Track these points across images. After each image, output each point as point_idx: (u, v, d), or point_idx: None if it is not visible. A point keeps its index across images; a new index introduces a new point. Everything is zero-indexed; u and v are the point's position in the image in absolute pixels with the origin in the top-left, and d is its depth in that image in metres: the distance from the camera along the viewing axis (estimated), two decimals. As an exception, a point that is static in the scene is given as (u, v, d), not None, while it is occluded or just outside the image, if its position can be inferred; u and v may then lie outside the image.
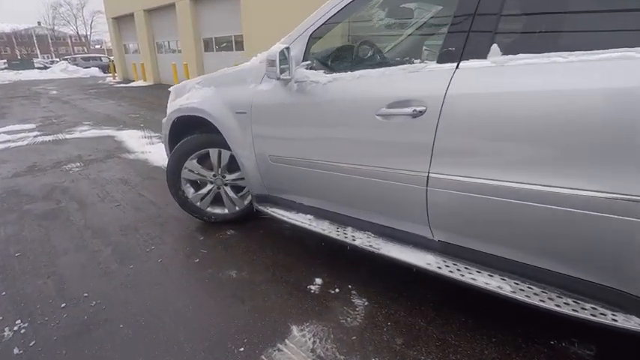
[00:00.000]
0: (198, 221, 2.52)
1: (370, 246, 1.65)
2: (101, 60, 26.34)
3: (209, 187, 2.38)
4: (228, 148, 2.17)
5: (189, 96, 2.32)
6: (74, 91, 12.51)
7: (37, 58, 41.89)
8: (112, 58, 20.88)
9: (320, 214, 1.92)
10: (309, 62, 1.76)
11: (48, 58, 46.58)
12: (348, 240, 1.71)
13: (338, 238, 1.75)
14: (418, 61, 1.48)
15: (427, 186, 1.42)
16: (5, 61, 27.74)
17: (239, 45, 10.61)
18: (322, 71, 1.70)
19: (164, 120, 2.50)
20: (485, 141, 1.26)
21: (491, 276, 1.40)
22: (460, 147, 1.31)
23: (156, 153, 4.34)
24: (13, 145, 5.01)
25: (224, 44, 11.50)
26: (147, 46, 14.79)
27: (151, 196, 3.05)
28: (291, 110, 1.78)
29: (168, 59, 13.99)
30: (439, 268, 1.47)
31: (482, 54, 1.27)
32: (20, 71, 22.77)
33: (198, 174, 2.34)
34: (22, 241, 2.35)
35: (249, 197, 2.39)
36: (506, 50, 1.24)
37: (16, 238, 2.38)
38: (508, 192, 1.23)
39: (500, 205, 1.27)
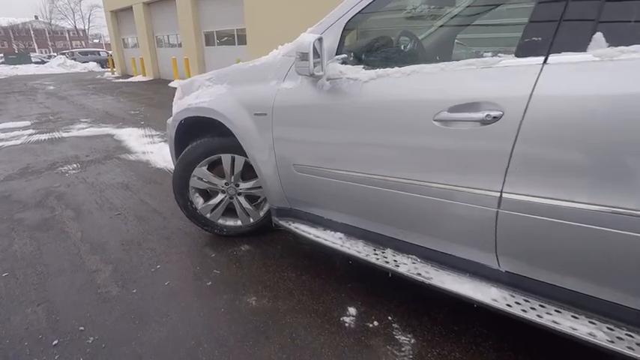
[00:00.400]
0: (208, 234, 2.26)
1: (419, 274, 1.39)
2: (99, 54, 25.92)
3: (220, 196, 2.11)
4: (243, 154, 1.91)
5: (198, 94, 2.04)
6: (72, 87, 12.18)
7: (35, 52, 41.43)
8: (110, 52, 20.49)
9: (352, 232, 1.66)
10: (344, 56, 1.49)
11: (45, 52, 46.11)
12: (390, 266, 1.46)
13: (377, 263, 1.49)
14: (489, 54, 1.21)
15: (498, 208, 1.16)
16: (2, 55, 27.26)
17: (241, 39, 10.28)
18: (361, 67, 1.43)
19: (169, 120, 2.23)
20: (583, 155, 0.99)
21: (576, 317, 1.15)
22: (547, 162, 1.05)
23: (158, 153, 4.08)
24: (6, 144, 4.72)
25: (226, 38, 11.16)
26: (146, 40, 14.43)
27: (155, 203, 2.79)
28: (323, 113, 1.51)
29: (168, 54, 13.64)
30: (509, 305, 1.22)
31: (581, 45, 1.00)
32: (17, 66, 22.41)
33: (208, 182, 2.08)
34: (11, 257, 2.09)
35: (265, 208, 2.14)
36: (614, 40, 0.97)
37: (4, 255, 2.12)
38: (608, 220, 0.98)
39: (595, 235, 1.01)
